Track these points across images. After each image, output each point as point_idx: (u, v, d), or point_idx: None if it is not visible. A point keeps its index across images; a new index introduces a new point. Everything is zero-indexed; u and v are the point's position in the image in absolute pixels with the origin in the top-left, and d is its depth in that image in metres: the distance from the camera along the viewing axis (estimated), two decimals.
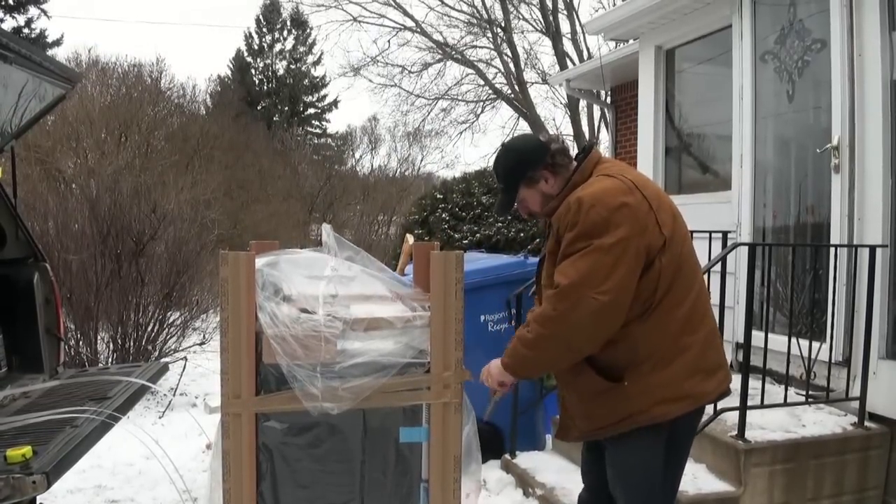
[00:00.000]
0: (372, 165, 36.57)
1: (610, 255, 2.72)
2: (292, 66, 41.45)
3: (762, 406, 4.41)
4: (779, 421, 4.55)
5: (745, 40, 5.85)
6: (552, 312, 2.77)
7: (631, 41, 8.72)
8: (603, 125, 20.30)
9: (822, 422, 4.61)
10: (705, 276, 3.79)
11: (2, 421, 3.37)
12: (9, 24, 26.48)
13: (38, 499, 3.65)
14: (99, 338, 8.26)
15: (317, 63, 41.43)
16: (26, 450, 2.82)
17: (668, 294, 2.87)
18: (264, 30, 41.06)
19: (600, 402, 2.93)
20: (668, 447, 2.98)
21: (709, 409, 4.30)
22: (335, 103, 41.83)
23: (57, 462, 2.83)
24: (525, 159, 3.08)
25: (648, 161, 7.24)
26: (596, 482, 3.24)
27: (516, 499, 4.98)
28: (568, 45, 22.46)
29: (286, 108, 40.44)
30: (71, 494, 5.20)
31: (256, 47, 41.04)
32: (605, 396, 2.91)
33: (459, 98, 25.11)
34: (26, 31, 27.30)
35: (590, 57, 18.92)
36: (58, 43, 28.31)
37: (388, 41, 30.10)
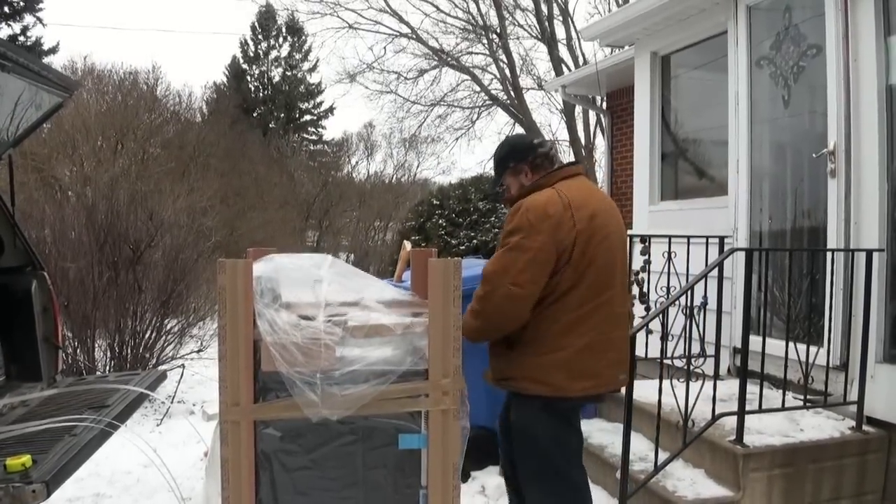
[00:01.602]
0: (368, 172, 36.55)
1: (528, 254, 3.30)
2: (288, 73, 41.42)
3: (760, 411, 4.42)
4: (777, 425, 4.56)
5: (740, 46, 5.87)
6: (480, 292, 3.39)
7: (626, 47, 8.73)
8: (599, 131, 20.34)
9: (821, 426, 4.62)
10: (702, 282, 4.34)
11: (1, 430, 3.37)
12: (4, 31, 26.47)
13: None
14: (97, 346, 8.24)
15: (312, 70, 41.43)
16: (26, 459, 2.82)
17: (561, 300, 3.37)
18: (260, 37, 41.03)
19: (497, 359, 3.56)
20: (549, 421, 3.50)
21: (707, 414, 4.33)
22: (331, 110, 41.81)
23: (57, 471, 2.83)
24: (514, 152, 3.72)
25: (644, 166, 7.25)
26: (505, 419, 3.81)
27: None
28: (564, 52, 22.48)
29: (282, 115, 40.38)
30: (69, 503, 5.19)
31: (252, 54, 41.02)
32: (501, 357, 3.53)
33: (455, 104, 25.14)
34: (22, 38, 27.26)
35: (585, 63, 18.93)
36: (53, 51, 28.28)
37: (384, 48, 30.13)
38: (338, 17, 24.06)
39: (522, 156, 3.67)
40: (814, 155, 5.16)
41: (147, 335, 8.49)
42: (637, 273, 5.63)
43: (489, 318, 3.37)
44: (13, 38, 26.50)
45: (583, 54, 21.92)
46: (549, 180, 3.55)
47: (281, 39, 41.37)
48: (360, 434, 2.76)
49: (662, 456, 4.29)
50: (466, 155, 59.55)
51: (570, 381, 3.40)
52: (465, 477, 5.07)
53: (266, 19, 40.36)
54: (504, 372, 3.52)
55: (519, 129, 23.22)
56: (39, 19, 27.49)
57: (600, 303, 3.42)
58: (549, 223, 3.32)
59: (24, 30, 27.64)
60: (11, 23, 27.07)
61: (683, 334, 4.62)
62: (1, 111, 4.28)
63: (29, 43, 27.21)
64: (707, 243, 5.47)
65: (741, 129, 5.86)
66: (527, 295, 3.30)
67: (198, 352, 9.03)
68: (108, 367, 8.15)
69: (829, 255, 4.77)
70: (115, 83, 21.17)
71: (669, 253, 5.31)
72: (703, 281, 4.64)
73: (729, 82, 5.99)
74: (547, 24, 22.27)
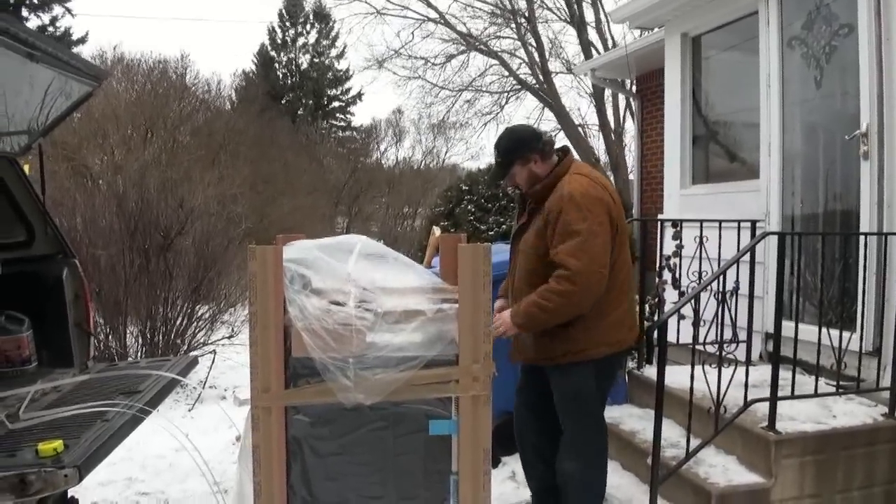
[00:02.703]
0: (397, 158, 36.65)
1: (600, 237, 3.68)
2: (316, 60, 41.48)
3: (792, 397, 4.37)
4: (809, 412, 4.51)
5: (771, 26, 5.78)
6: (573, 287, 3.62)
7: (656, 29, 8.64)
8: (629, 114, 20.15)
9: (853, 412, 4.56)
10: (734, 267, 4.52)
11: (33, 415, 3.40)
12: (34, 22, 26.62)
13: (70, 492, 3.68)
14: (128, 332, 8.33)
15: (340, 56, 41.46)
16: (58, 444, 2.84)
17: (614, 267, 3.77)
18: (287, 24, 41.11)
19: (551, 339, 3.83)
20: (597, 379, 3.92)
21: (739, 400, 4.29)
22: (359, 96, 41.85)
23: (88, 456, 2.85)
24: (524, 141, 3.97)
25: (675, 150, 7.18)
26: (531, 397, 4.19)
27: None
28: (593, 34, 22.24)
29: (310, 102, 40.47)
30: (102, 487, 5.25)
31: (280, 41, 41.11)
32: (556, 337, 3.81)
33: (483, 89, 24.95)
34: (51, 29, 27.45)
35: (615, 46, 18.75)
36: (82, 41, 28.46)
37: (412, 33, 29.95)
38: (365, 2, 23.88)
39: (531, 145, 3.94)
40: (846, 137, 5.08)
41: (178, 321, 8.57)
42: (668, 258, 5.58)
43: (581, 305, 3.68)
44: (42, 28, 26.70)
45: (612, 37, 21.70)
46: (565, 167, 3.92)
47: (308, 26, 41.46)
48: (390, 420, 2.77)
49: (694, 442, 4.26)
50: (495, 140, 59.37)
51: (629, 333, 4.00)
52: (495, 462, 5.07)
53: (293, 6, 40.46)
54: (560, 349, 3.84)
55: (548, 114, 23.10)
56: (68, 10, 27.69)
57: (628, 266, 3.97)
58: (602, 206, 3.74)
59: (53, 20, 27.84)
60: (41, 13, 27.28)
61: (715, 320, 4.57)
62: (31, 101, 4.31)
63: (58, 33, 27.40)
64: (739, 228, 5.41)
65: (773, 111, 5.78)
66: (607, 274, 3.69)
67: (229, 338, 9.10)
68: (139, 354, 8.24)
69: (861, 238, 4.70)
70: (144, 72, 21.28)
71: (701, 237, 5.26)
72: (735, 266, 4.59)
73: (760, 63, 5.91)
74: (576, 6, 22.04)
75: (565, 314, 3.70)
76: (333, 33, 40.72)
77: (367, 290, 2.86)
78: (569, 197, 3.71)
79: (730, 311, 4.55)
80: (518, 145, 3.96)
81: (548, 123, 24.82)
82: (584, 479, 3.96)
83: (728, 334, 4.68)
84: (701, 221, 5.33)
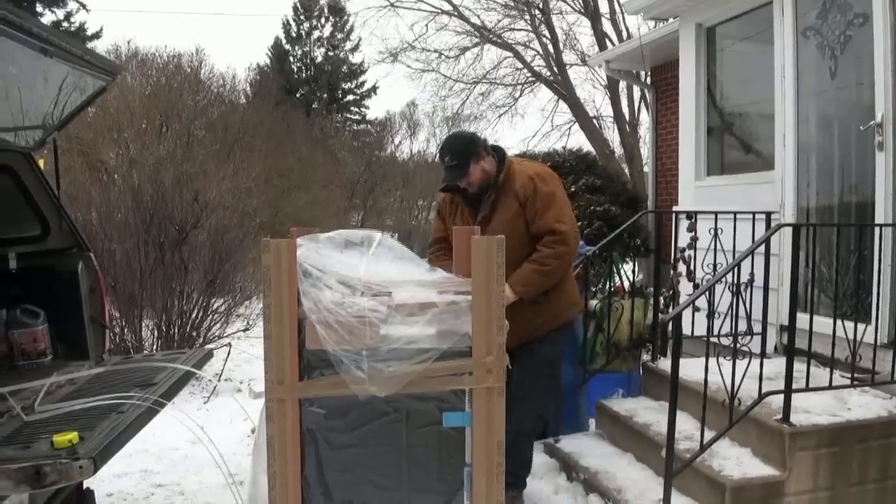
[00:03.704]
0: (411, 151, 36.66)
1: (567, 202, 4.40)
2: (330, 53, 41.49)
3: (807, 389, 4.35)
4: (824, 404, 4.48)
5: (786, 16, 5.75)
6: (567, 248, 4.24)
7: (671, 20, 8.61)
8: (643, 106, 20.07)
9: (868, 405, 4.54)
10: (748, 259, 4.54)
11: (48, 407, 3.42)
12: (48, 18, 26.66)
13: (85, 483, 3.71)
14: (144, 325, 8.37)
15: (354, 50, 41.45)
16: (73, 435, 2.86)
17: None
18: (302, 17, 41.13)
19: (531, 314, 4.24)
20: (563, 341, 4.68)
21: (753, 392, 4.28)
22: (374, 90, 41.84)
23: (103, 447, 2.86)
24: (474, 142, 4.43)
25: (690, 141, 7.15)
26: None
27: (560, 483, 4.98)
28: (607, 26, 22.13)
29: (325, 96, 40.49)
30: (118, 478, 5.29)
31: (294, 35, 41.14)
32: (537, 311, 4.28)
33: (497, 82, 24.91)
34: (66, 24, 27.53)
35: (629, 37, 18.64)
36: (97, 36, 28.56)
37: (426, 26, 29.90)
38: None
39: (481, 145, 4.42)
40: (861, 128, 5.05)
41: (194, 314, 8.61)
42: (683, 250, 5.57)
43: (569, 262, 4.43)
44: (57, 24, 26.77)
45: (626, 28, 21.57)
46: (508, 159, 4.47)
47: (323, 20, 41.47)
48: (404, 412, 2.78)
49: (708, 435, 4.24)
50: (509, 132, 59.38)
51: (579, 292, 4.75)
52: None
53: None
54: (539, 321, 4.32)
55: (563, 106, 23.05)
56: (83, 5, 27.70)
57: None
58: (557, 178, 4.49)
59: (68, 16, 27.91)
60: (55, 9, 27.31)
61: (730, 312, 4.55)
62: (45, 96, 4.33)
63: (72, 28, 27.49)
64: (754, 219, 5.39)
65: (787, 101, 5.75)
66: None
67: (244, 331, 9.12)
68: (155, 347, 8.27)
69: (876, 230, 4.67)
70: (158, 66, 21.28)
71: (716, 229, 5.24)
72: (749, 257, 4.57)
73: (775, 54, 5.87)
74: None
75: (560, 273, 4.29)
76: (348, 27, 40.73)
77: (380, 282, 2.87)
78: (535, 175, 4.33)
79: (744, 303, 4.54)
80: (470, 145, 4.39)
81: (562, 115, 24.86)
82: (535, 429, 4.73)
83: (743, 326, 4.66)
84: (716, 213, 5.31)
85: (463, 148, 4.37)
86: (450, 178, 4.46)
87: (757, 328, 5.07)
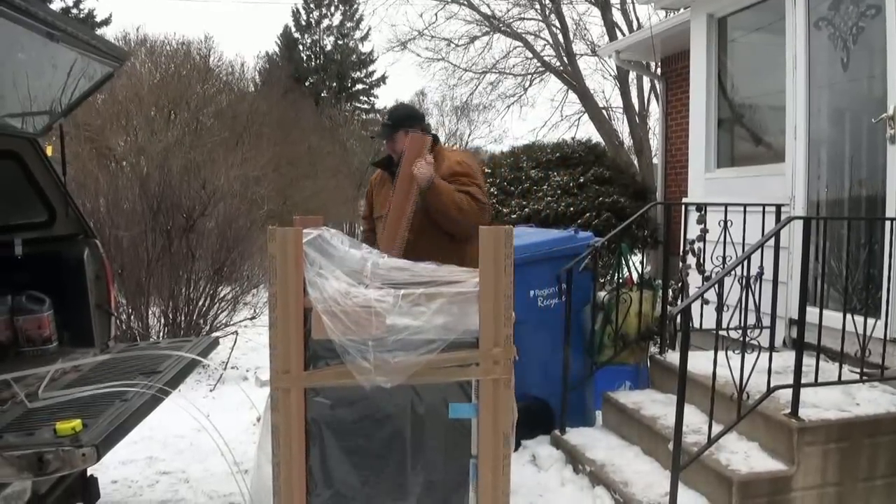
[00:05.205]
0: None
1: (484, 186, 4.68)
2: (340, 42, 41.48)
3: (816, 384, 4.32)
4: (832, 399, 4.45)
5: (798, 6, 5.69)
6: (474, 205, 4.39)
7: (682, 10, 8.55)
8: (653, 97, 19.98)
9: (877, 400, 4.51)
10: (758, 252, 4.46)
11: (52, 395, 3.41)
12: (57, 4, 26.75)
13: (89, 470, 3.70)
14: (150, 312, 8.38)
15: (364, 38, 41.42)
16: (76, 423, 2.85)
17: None
18: (311, 5, 41.10)
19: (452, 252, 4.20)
20: None
21: (762, 386, 4.25)
22: (383, 79, 41.84)
23: (106, 435, 2.85)
24: (414, 116, 4.86)
25: (700, 133, 7.10)
26: None
27: (566, 475, 4.96)
28: (617, 16, 21.99)
29: (334, 84, 40.48)
30: (123, 466, 5.29)
31: (304, 23, 41.12)
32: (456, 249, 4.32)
33: (507, 71, 24.80)
34: (74, 11, 27.60)
35: (640, 27, 18.55)
36: (106, 22, 28.66)
37: (435, 14, 29.80)
38: None
39: (419, 122, 4.77)
40: (873, 120, 5.00)
41: (200, 302, 8.61)
42: (692, 242, 5.54)
43: (468, 230, 4.17)
44: (66, 10, 26.83)
45: (637, 18, 21.45)
46: (440, 145, 4.77)
47: (332, 8, 41.44)
48: (409, 403, 2.77)
49: (716, 428, 4.22)
50: (518, 122, 59.27)
51: None
52: (516, 446, 5.06)
53: None
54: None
55: (572, 96, 22.97)
56: None
57: None
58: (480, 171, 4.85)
59: (77, 2, 27.98)
60: None
61: (739, 305, 4.52)
62: (52, 81, 4.32)
63: (81, 15, 27.53)
64: (764, 212, 5.34)
65: (799, 93, 5.70)
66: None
67: (251, 319, 9.11)
68: (161, 334, 8.28)
69: (887, 224, 4.63)
70: (168, 54, 21.32)
71: (725, 222, 5.20)
72: (759, 250, 4.53)
73: (786, 45, 5.82)
74: None
75: (464, 225, 4.31)
76: (357, 15, 40.72)
77: (386, 272, 2.85)
78: (464, 161, 4.69)
79: (754, 296, 4.51)
80: (409, 116, 4.81)
81: (571, 106, 24.77)
82: None
83: (752, 320, 4.63)
84: (725, 205, 5.27)
85: (402, 115, 4.86)
86: (377, 133, 4.89)
87: (766, 322, 5.03)
